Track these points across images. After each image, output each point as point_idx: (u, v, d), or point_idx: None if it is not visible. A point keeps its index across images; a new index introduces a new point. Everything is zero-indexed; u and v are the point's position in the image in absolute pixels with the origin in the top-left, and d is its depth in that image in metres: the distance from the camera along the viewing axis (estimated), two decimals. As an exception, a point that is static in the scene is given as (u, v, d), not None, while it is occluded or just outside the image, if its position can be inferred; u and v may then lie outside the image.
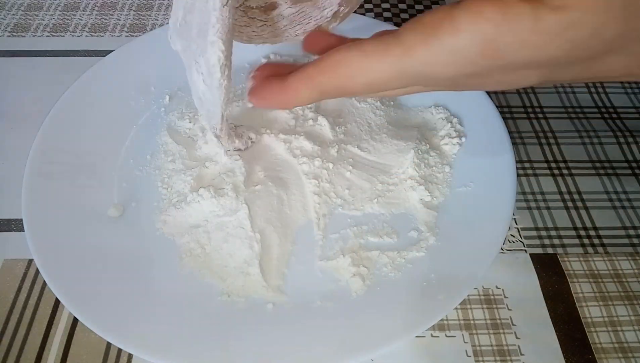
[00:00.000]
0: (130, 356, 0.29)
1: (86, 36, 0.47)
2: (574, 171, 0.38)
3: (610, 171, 0.38)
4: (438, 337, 0.29)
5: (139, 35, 0.45)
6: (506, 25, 0.17)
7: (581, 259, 0.33)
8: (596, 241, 0.34)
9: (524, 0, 0.17)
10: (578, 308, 0.31)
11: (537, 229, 0.35)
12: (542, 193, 0.37)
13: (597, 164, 0.38)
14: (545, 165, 0.38)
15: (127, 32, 0.48)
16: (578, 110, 0.42)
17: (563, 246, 0.34)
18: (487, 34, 0.18)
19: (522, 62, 0.18)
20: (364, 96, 0.24)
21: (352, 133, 0.37)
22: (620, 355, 0.29)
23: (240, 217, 0.31)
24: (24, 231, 0.30)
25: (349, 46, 0.20)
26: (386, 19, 0.50)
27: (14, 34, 0.47)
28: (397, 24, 0.49)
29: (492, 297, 0.31)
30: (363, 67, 0.20)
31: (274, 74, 0.24)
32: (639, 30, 0.17)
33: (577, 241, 0.34)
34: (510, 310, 0.31)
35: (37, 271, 0.31)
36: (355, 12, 0.50)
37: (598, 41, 0.17)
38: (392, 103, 0.39)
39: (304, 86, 0.22)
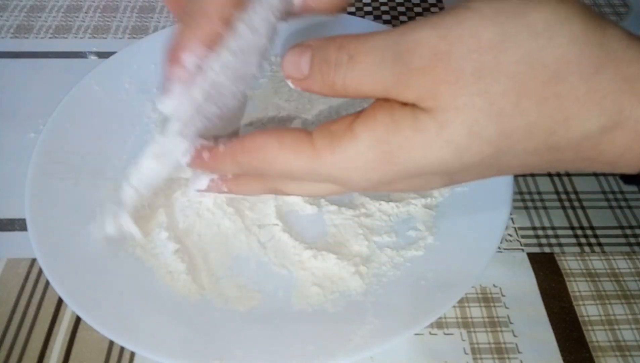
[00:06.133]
0: (132, 354, 0.29)
1: (89, 38, 0.48)
2: (570, 171, 0.38)
3: (607, 171, 0.38)
4: (436, 334, 0.30)
5: (142, 37, 0.45)
6: (394, 126, 0.19)
7: (578, 258, 0.33)
8: (593, 240, 0.34)
9: (406, 105, 0.19)
10: (575, 306, 0.31)
11: (534, 228, 0.35)
12: (539, 193, 0.37)
13: (594, 165, 0.39)
14: (542, 165, 0.39)
15: (129, 34, 0.48)
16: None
17: (560, 245, 0.34)
18: (379, 138, 0.19)
19: (417, 167, 0.19)
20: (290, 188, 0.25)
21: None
22: (617, 353, 0.29)
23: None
24: (27, 230, 0.30)
25: (270, 133, 0.21)
26: (385, 22, 0.51)
27: (17, 35, 0.48)
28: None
29: (489, 295, 0.31)
30: (280, 158, 0.21)
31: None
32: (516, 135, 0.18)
33: (574, 240, 0.34)
34: (508, 308, 0.31)
35: (40, 271, 0.31)
36: (354, 14, 0.51)
37: (479, 141, 0.18)
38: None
39: (229, 158, 0.23)
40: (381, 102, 0.19)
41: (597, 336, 0.30)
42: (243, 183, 0.25)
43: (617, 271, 0.33)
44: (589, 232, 0.35)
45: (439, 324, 0.30)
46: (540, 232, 0.35)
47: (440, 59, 0.17)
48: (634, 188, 0.37)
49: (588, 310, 0.31)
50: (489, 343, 0.29)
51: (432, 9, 0.52)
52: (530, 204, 0.36)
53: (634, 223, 0.35)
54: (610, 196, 0.37)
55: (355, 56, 0.19)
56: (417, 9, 0.52)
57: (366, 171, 0.20)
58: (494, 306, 0.31)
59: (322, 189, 0.23)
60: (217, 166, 0.24)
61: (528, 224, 0.35)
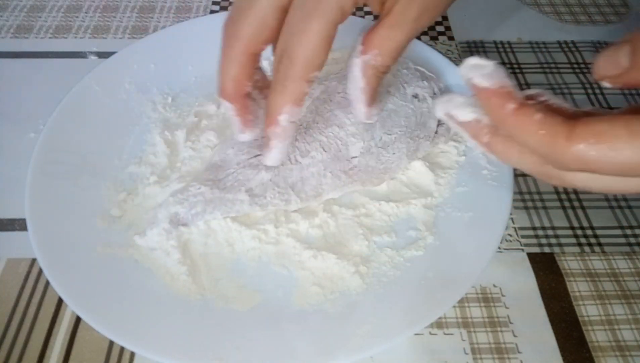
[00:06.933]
0: (132, 354, 0.29)
1: (89, 38, 0.48)
2: (571, 172, 0.38)
3: (607, 172, 0.38)
4: (436, 334, 0.30)
5: (142, 37, 0.46)
6: None
7: (578, 258, 0.33)
8: (593, 240, 0.34)
9: None
10: (575, 306, 0.31)
11: (534, 228, 0.35)
12: (539, 193, 0.37)
13: (595, 165, 0.39)
14: (542, 165, 0.39)
15: (129, 34, 0.48)
16: (576, 111, 0.42)
17: (560, 245, 0.34)
18: None
19: None
20: (601, 188, 0.21)
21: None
22: (617, 353, 0.29)
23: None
24: (27, 230, 0.31)
25: (613, 119, 0.18)
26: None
27: (17, 35, 0.48)
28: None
29: (489, 296, 0.31)
30: (630, 148, 0.18)
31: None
32: None
33: (574, 240, 0.34)
34: (508, 308, 0.31)
35: (40, 270, 0.31)
36: (354, 14, 0.51)
37: None
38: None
39: (566, 140, 0.19)
40: None
41: (597, 336, 0.30)
42: (517, 153, 0.21)
43: (617, 271, 0.33)
44: (589, 232, 0.35)
45: (439, 324, 0.30)
46: (540, 232, 0.35)
47: None
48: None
49: (588, 310, 0.31)
50: (489, 343, 0.29)
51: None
52: (530, 204, 0.36)
53: (634, 223, 0.35)
54: (610, 196, 0.37)
55: None
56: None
57: None
58: (494, 306, 0.31)
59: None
60: (524, 132, 0.20)
61: (528, 225, 0.35)
